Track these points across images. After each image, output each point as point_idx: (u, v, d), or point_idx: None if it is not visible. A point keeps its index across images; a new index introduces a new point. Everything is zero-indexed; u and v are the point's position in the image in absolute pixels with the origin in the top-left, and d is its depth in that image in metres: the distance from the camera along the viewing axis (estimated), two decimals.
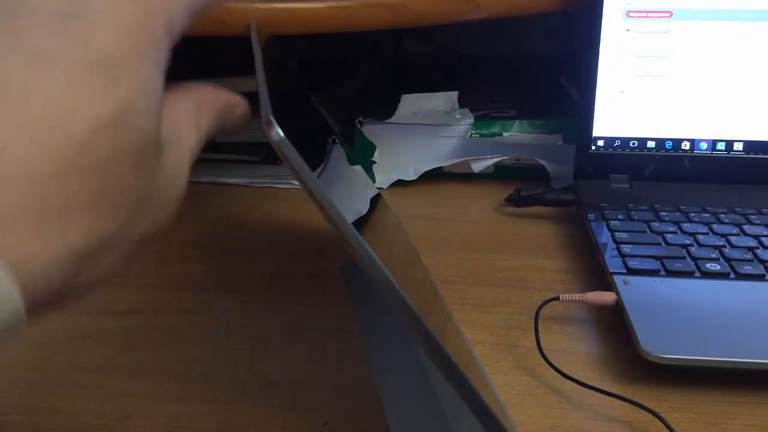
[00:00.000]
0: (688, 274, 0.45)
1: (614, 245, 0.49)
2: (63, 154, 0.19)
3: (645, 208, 0.54)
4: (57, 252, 0.19)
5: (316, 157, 0.30)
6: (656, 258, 0.46)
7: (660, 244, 0.49)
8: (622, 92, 0.58)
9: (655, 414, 0.36)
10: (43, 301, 0.19)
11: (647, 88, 0.58)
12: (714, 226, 0.51)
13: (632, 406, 0.37)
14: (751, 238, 0.49)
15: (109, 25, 0.21)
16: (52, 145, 0.19)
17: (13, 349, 0.42)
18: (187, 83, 0.27)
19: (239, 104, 0.30)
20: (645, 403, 0.36)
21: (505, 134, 0.67)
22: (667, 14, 0.57)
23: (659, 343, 0.38)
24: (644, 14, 0.57)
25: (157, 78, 0.22)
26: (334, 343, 0.43)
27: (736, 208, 0.54)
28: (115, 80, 0.21)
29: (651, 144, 0.59)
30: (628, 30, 0.57)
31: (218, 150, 0.64)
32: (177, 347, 0.42)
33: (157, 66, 0.22)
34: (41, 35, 0.20)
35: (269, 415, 0.37)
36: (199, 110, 0.27)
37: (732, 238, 0.49)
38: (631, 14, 0.57)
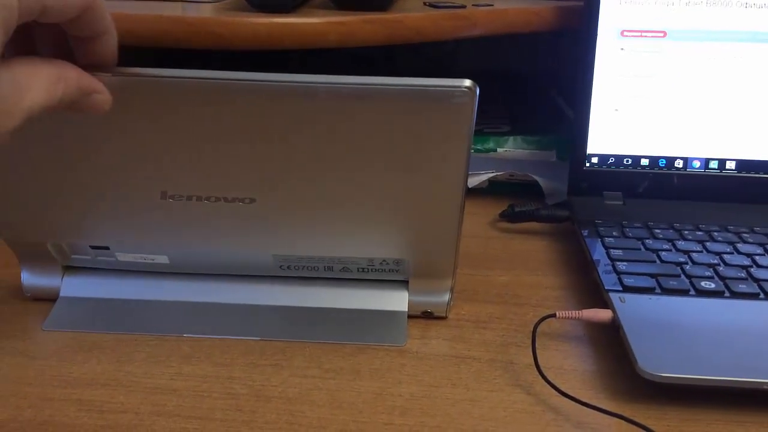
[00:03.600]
0: (683, 292, 0.45)
1: (609, 262, 0.49)
2: None
3: (639, 225, 0.55)
4: None
5: None
6: (651, 276, 0.47)
7: (655, 261, 0.49)
8: (617, 110, 0.59)
9: None
10: None
11: (641, 107, 0.59)
12: (708, 244, 0.51)
13: (630, 425, 0.37)
14: (745, 257, 0.49)
15: None
16: None
17: (4, 363, 0.42)
18: (61, 60, 0.31)
19: (100, 92, 0.33)
20: (642, 422, 0.36)
21: (499, 150, 0.67)
22: (662, 34, 0.57)
23: (657, 362, 0.38)
24: (639, 34, 0.57)
25: None
26: None
27: (729, 227, 0.54)
28: None
29: (644, 162, 0.59)
30: (622, 49, 0.58)
31: None
32: (172, 362, 0.42)
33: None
34: None
35: None
36: (58, 80, 0.30)
37: (726, 257, 0.49)
38: (625, 34, 0.58)
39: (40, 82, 0.30)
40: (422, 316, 0.47)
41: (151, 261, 0.46)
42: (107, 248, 0.46)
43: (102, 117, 0.34)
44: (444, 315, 0.47)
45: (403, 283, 0.47)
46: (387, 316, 0.46)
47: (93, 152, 0.39)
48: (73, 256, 0.47)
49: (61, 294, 0.47)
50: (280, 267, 0.46)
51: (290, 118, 0.37)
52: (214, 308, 0.47)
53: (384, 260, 0.45)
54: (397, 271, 0.46)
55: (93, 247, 0.46)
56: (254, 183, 0.40)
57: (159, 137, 0.38)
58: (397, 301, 0.47)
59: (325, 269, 0.46)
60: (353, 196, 0.41)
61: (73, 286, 0.48)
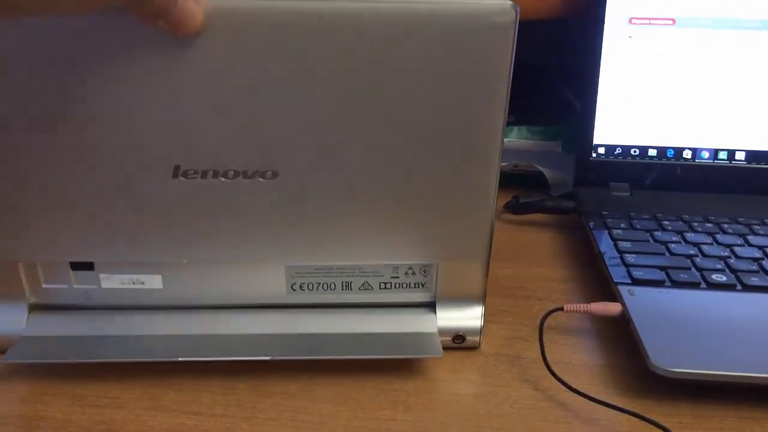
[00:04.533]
0: (693, 285, 0.44)
1: (617, 254, 0.48)
2: None
3: (647, 216, 0.53)
4: None
5: None
6: (661, 268, 0.46)
7: (664, 254, 0.48)
8: (624, 99, 0.58)
9: (664, 429, 0.35)
10: None
11: (649, 96, 0.57)
12: (718, 236, 0.50)
13: (641, 421, 0.36)
14: (756, 249, 0.48)
15: None
16: None
17: None
18: None
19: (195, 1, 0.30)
20: (653, 418, 0.35)
21: (503, 140, 0.66)
22: (670, 22, 0.56)
23: (669, 357, 0.37)
24: (647, 21, 0.56)
25: None
26: None
27: (740, 218, 0.53)
28: None
29: (652, 152, 0.58)
30: (630, 37, 0.56)
31: None
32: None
33: None
34: None
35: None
36: None
37: (737, 249, 0.48)
38: (634, 21, 0.56)
39: None
40: (453, 343, 0.42)
41: (141, 286, 0.40)
42: (91, 267, 0.40)
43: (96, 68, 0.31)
44: (477, 342, 0.42)
45: (430, 306, 0.42)
46: (415, 338, 0.41)
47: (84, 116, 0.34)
48: (44, 286, 0.40)
49: (24, 334, 0.40)
50: (292, 287, 0.41)
51: (308, 51, 0.32)
52: (213, 339, 0.40)
53: (410, 268, 0.41)
54: (423, 285, 0.42)
55: (74, 267, 0.40)
56: (276, 148, 0.35)
57: (170, 93, 0.33)
58: (426, 323, 0.42)
59: (343, 287, 0.42)
60: (382, 160, 0.36)
61: (39, 326, 0.40)
